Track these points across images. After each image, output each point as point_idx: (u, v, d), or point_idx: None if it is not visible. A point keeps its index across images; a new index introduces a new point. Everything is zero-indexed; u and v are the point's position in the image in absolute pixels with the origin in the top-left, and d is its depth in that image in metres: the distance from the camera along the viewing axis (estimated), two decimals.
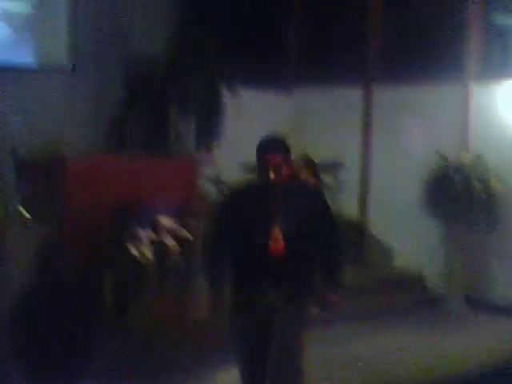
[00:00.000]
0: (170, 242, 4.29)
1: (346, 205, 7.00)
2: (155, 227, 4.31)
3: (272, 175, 3.24)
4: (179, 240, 4.36)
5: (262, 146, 3.38)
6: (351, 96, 7.58)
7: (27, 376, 3.94)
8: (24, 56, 6.54)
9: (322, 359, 5.12)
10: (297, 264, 3.28)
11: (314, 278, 3.45)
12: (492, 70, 6.76)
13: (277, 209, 3.29)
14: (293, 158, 3.42)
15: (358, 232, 7.37)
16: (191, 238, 4.42)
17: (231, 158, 6.81)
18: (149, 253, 4.16)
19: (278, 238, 3.23)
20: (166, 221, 4.38)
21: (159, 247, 4.23)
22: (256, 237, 3.25)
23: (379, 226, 7.38)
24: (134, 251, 4.13)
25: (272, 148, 3.35)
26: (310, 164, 6.90)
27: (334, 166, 6.73)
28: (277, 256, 3.21)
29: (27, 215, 4.23)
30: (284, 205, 3.30)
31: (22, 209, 4.20)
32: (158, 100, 6.82)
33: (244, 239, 3.29)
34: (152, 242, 4.22)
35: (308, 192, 3.61)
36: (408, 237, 7.08)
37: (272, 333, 3.26)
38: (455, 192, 6.45)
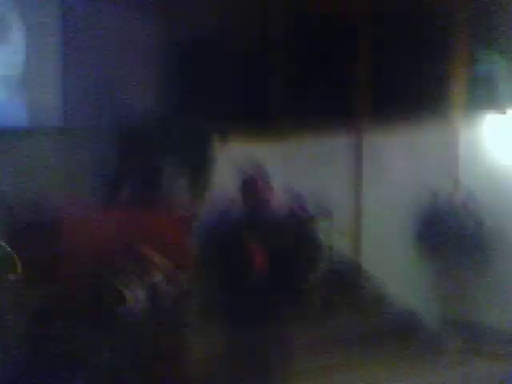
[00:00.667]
0: (165, 286, 4.31)
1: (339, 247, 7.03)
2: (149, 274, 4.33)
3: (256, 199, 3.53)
4: (174, 284, 4.37)
5: (247, 173, 3.84)
6: (340, 141, 7.68)
7: None
8: (15, 118, 6.65)
9: None
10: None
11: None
12: (479, 108, 6.88)
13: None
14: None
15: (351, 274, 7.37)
16: (185, 283, 4.44)
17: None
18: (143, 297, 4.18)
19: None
20: (160, 265, 4.41)
21: (153, 291, 4.24)
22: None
23: (373, 264, 7.37)
24: (129, 295, 4.14)
25: (257, 175, 3.79)
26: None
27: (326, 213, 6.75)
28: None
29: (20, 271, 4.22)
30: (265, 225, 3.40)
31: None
32: (149, 153, 6.91)
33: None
34: (146, 287, 4.24)
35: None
36: (402, 275, 7.08)
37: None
38: (448, 230, 6.49)
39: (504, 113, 6.78)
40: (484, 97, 6.92)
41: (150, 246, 4.58)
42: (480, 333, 6.58)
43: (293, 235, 3.70)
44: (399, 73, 7.34)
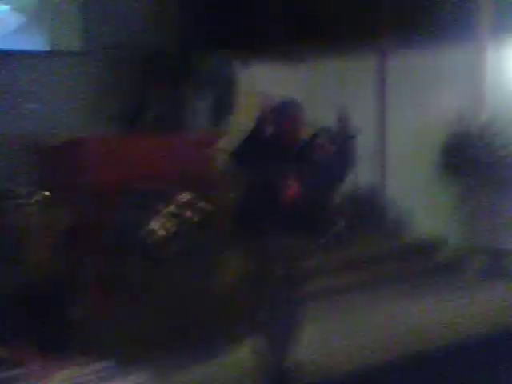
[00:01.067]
0: (190, 214, 4.35)
1: (365, 170, 7.01)
2: (175, 201, 4.36)
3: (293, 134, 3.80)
4: (199, 212, 4.41)
5: (285, 107, 3.89)
6: (366, 63, 7.56)
7: None
8: (36, 42, 6.60)
9: (346, 323, 5.23)
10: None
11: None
12: (505, 30, 6.69)
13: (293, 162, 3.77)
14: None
15: (376, 198, 7.39)
16: (211, 208, 4.47)
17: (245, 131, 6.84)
18: (170, 225, 4.22)
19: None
20: (185, 194, 4.43)
21: (179, 220, 4.28)
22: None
23: (398, 191, 7.39)
24: (155, 225, 4.18)
25: (293, 110, 3.90)
26: (327, 132, 6.90)
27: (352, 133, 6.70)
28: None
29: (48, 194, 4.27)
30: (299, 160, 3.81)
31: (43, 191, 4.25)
32: (171, 77, 6.86)
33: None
34: (172, 216, 4.27)
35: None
36: (428, 201, 7.10)
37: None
38: (475, 154, 6.43)
39: None
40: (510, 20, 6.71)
41: (174, 174, 4.60)
42: (500, 256, 6.63)
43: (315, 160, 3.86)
44: None
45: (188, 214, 4.30)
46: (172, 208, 4.29)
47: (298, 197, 3.75)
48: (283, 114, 3.81)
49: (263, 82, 7.33)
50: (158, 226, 4.18)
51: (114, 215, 4.35)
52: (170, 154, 4.80)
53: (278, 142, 3.80)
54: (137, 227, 4.28)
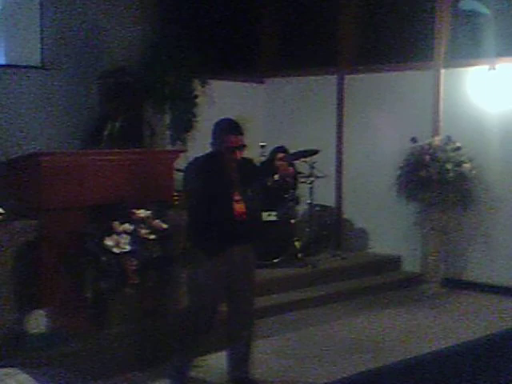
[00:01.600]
0: (145, 232, 4.36)
1: (323, 191, 7.12)
2: (131, 219, 4.36)
3: (238, 154, 4.09)
4: (154, 230, 4.42)
5: (231, 129, 4.16)
6: (324, 84, 7.69)
7: None
8: None
9: (305, 339, 5.29)
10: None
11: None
12: (460, 55, 6.87)
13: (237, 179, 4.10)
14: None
15: (334, 217, 7.48)
16: (166, 226, 4.49)
17: (206, 148, 6.87)
18: (125, 243, 4.22)
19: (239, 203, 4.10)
20: (141, 212, 4.43)
21: (135, 237, 4.29)
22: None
23: (356, 211, 7.51)
24: (110, 242, 4.18)
25: (238, 131, 4.14)
26: (284, 153, 6.96)
27: (310, 154, 6.79)
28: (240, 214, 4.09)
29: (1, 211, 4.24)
30: (242, 179, 4.13)
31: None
32: (131, 96, 6.86)
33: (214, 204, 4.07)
34: (128, 233, 4.27)
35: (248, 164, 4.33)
36: (384, 221, 7.24)
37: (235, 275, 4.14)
38: (428, 175, 6.55)
39: None
40: (466, 43, 6.91)
41: (132, 191, 4.59)
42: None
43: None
44: None
45: (143, 231, 4.31)
46: (127, 225, 4.29)
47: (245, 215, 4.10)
48: (225, 131, 4.14)
49: (223, 100, 7.41)
50: (112, 242, 4.18)
51: (70, 231, 4.34)
52: (128, 170, 4.78)
53: (224, 160, 4.11)
54: (92, 243, 4.28)
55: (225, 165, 4.11)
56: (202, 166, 4.17)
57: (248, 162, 4.31)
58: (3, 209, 4.25)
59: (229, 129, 4.16)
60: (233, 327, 4.29)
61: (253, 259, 4.32)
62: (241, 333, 4.28)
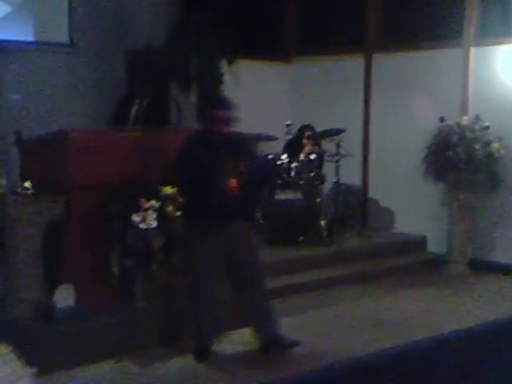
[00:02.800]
0: (171, 208, 4.39)
1: (349, 170, 7.09)
2: (157, 196, 4.40)
3: (226, 128, 4.15)
4: (180, 207, 4.45)
5: (218, 103, 4.33)
6: (351, 64, 7.62)
7: None
8: (24, 34, 6.58)
9: (330, 317, 5.31)
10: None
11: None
12: (490, 33, 6.76)
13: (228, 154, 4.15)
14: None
15: (360, 197, 7.46)
16: None
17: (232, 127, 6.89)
18: (151, 219, 4.26)
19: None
20: (167, 189, 4.47)
21: (161, 214, 4.33)
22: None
23: (381, 190, 7.48)
24: (137, 218, 4.22)
25: (228, 106, 4.23)
26: (311, 132, 6.96)
27: (337, 133, 6.77)
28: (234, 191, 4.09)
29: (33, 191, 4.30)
30: (231, 151, 4.18)
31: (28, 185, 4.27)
32: (158, 74, 6.88)
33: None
34: (155, 210, 4.32)
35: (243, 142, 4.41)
36: (410, 201, 7.19)
37: (233, 250, 4.23)
38: (455, 155, 6.49)
39: None
40: (496, 21, 6.80)
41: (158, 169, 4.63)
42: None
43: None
44: None
45: (169, 208, 4.35)
46: (154, 202, 4.33)
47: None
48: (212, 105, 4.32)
49: (250, 80, 7.39)
50: (138, 218, 4.22)
51: (97, 208, 4.38)
52: (154, 148, 4.81)
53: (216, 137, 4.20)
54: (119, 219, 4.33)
55: (214, 140, 4.16)
56: (192, 144, 4.23)
57: (244, 144, 4.35)
58: (32, 185, 4.31)
59: (215, 103, 4.29)
60: (246, 299, 4.40)
61: (252, 236, 4.37)
62: (255, 300, 4.37)
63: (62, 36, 6.78)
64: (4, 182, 4.28)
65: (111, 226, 4.31)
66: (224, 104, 4.24)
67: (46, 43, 6.70)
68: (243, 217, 4.27)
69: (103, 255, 4.42)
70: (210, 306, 4.31)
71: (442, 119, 6.62)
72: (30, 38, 6.61)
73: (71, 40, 6.80)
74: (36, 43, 6.65)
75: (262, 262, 4.55)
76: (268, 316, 4.43)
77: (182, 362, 4.38)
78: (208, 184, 4.06)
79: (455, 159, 6.46)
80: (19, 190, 4.27)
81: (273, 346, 4.41)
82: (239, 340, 4.70)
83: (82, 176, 4.46)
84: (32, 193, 4.29)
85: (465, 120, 6.64)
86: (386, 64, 7.40)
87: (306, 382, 2.16)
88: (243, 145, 4.34)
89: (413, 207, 7.19)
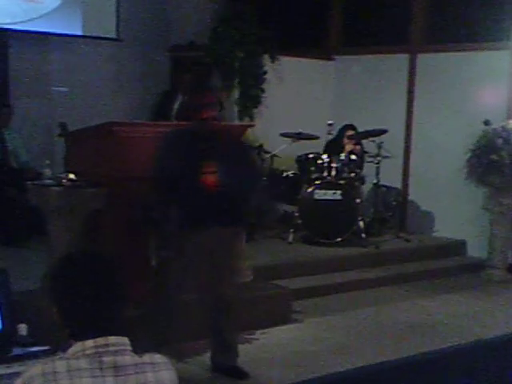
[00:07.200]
0: None
1: (389, 171, 7.03)
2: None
3: (206, 113, 3.74)
4: None
5: (199, 87, 4.03)
6: (395, 63, 7.56)
7: None
8: (72, 27, 6.68)
9: (364, 319, 5.29)
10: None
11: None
12: None
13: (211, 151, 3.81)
14: None
15: (400, 199, 7.38)
16: None
17: (273, 124, 6.90)
18: None
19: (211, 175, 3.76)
20: None
21: None
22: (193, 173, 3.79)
23: (422, 193, 7.40)
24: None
25: (208, 89, 4.02)
26: (353, 131, 6.92)
27: (379, 134, 6.72)
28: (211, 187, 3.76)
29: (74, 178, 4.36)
30: (215, 148, 3.82)
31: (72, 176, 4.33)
32: (200, 70, 6.92)
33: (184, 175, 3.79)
34: None
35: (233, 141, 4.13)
36: (450, 204, 7.10)
37: (211, 251, 3.88)
38: (500, 159, 6.38)
39: None
40: None
41: None
42: None
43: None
44: None
45: None
46: None
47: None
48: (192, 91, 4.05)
49: (292, 77, 7.39)
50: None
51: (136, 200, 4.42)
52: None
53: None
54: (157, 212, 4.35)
55: (195, 131, 3.80)
56: (171, 137, 3.95)
57: (237, 143, 4.09)
58: (76, 176, 4.38)
59: (195, 87, 3.99)
60: (212, 314, 4.08)
61: (232, 244, 3.96)
62: (220, 319, 4.04)
63: (109, 30, 6.85)
64: (49, 172, 4.35)
65: (149, 218, 4.33)
66: (203, 86, 3.97)
67: (92, 37, 6.79)
68: (225, 220, 3.82)
69: (141, 247, 4.46)
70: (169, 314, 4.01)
71: (487, 122, 6.51)
72: (77, 31, 6.70)
73: (118, 34, 6.87)
74: (83, 37, 6.75)
75: (239, 285, 4.22)
76: (228, 347, 4.11)
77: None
78: (181, 179, 3.76)
79: (499, 163, 6.36)
80: (64, 181, 4.34)
81: (221, 371, 4.13)
82: (268, 339, 4.69)
83: (123, 168, 4.51)
84: (76, 184, 4.36)
85: (511, 123, 6.53)
86: (431, 64, 7.31)
87: None
88: (228, 143, 3.94)
89: (453, 211, 7.10)
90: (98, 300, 1.97)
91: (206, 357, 4.28)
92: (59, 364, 1.88)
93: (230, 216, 3.85)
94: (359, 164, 6.76)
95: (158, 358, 2.02)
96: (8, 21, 6.20)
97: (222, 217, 3.81)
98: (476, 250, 6.94)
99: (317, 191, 6.41)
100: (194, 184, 3.76)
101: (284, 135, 6.66)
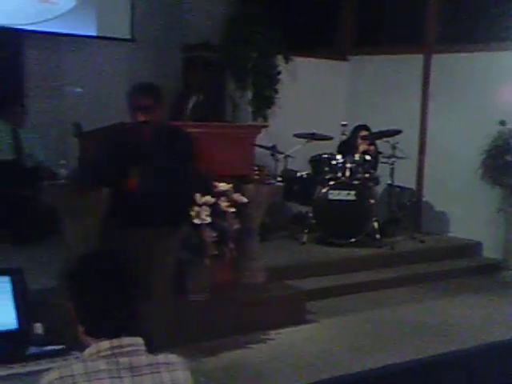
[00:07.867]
0: (226, 204, 4.42)
1: (404, 172, 7.00)
2: (212, 191, 4.43)
3: (142, 116, 3.65)
4: (234, 203, 4.48)
5: (135, 90, 3.76)
6: (409, 63, 7.53)
7: None
8: (87, 28, 6.71)
9: (376, 321, 5.26)
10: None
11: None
12: None
13: (145, 147, 3.71)
14: None
15: (414, 199, 7.35)
16: (246, 200, 4.54)
17: (286, 125, 6.90)
18: (206, 215, 4.30)
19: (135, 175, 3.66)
20: (222, 185, 4.50)
21: (215, 210, 4.36)
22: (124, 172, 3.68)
23: (436, 194, 7.36)
24: (192, 213, 4.26)
25: (144, 92, 3.74)
26: (367, 132, 6.89)
27: (393, 134, 6.69)
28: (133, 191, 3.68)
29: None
30: (152, 144, 3.71)
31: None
32: (214, 71, 6.93)
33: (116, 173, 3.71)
34: (209, 205, 4.35)
35: (177, 136, 3.94)
36: (465, 205, 7.06)
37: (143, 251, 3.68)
38: None
39: None
40: None
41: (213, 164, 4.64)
42: None
43: None
44: None
45: (224, 203, 4.38)
46: (208, 197, 4.37)
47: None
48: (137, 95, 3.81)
49: (306, 77, 7.37)
50: (193, 213, 4.26)
51: None
52: (210, 143, 4.83)
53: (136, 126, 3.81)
54: None
55: (125, 131, 3.77)
56: (107, 136, 3.93)
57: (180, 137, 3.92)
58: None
59: (132, 89, 3.77)
60: None
61: (163, 244, 3.84)
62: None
63: (123, 31, 6.88)
64: (64, 172, 4.37)
65: None
66: (140, 89, 3.74)
67: (107, 37, 6.81)
68: (155, 221, 3.73)
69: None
70: None
71: (502, 122, 6.47)
72: (92, 32, 6.73)
73: (132, 35, 6.89)
74: (97, 37, 6.77)
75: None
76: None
77: (230, 358, 4.39)
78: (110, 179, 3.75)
79: None
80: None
81: None
82: (284, 339, 4.68)
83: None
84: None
85: None
86: (445, 65, 7.27)
87: None
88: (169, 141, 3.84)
89: (469, 212, 7.05)
90: (112, 299, 1.99)
91: (221, 356, 4.29)
92: (76, 367, 1.90)
93: (157, 217, 3.76)
94: (373, 164, 6.74)
95: (172, 357, 2.03)
96: (23, 22, 6.23)
97: (147, 218, 3.73)
98: (491, 251, 6.90)
99: (331, 192, 6.40)
100: (120, 186, 3.75)
101: (298, 136, 6.66)
